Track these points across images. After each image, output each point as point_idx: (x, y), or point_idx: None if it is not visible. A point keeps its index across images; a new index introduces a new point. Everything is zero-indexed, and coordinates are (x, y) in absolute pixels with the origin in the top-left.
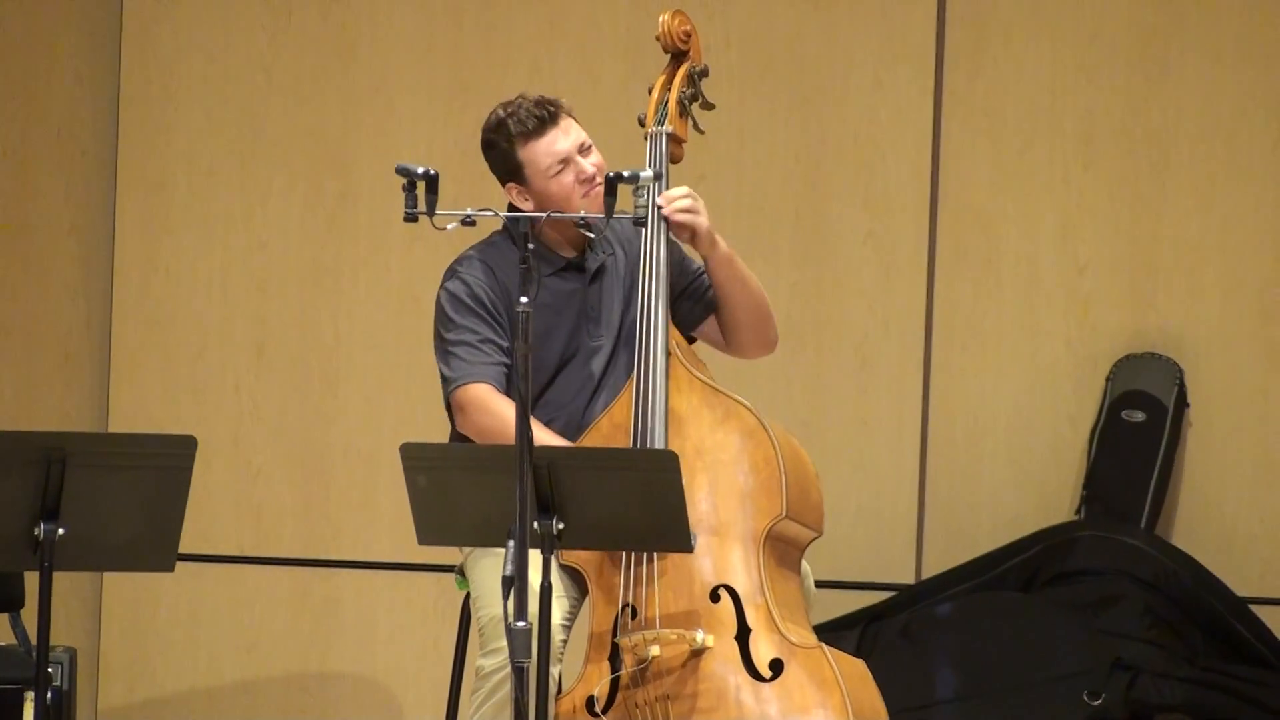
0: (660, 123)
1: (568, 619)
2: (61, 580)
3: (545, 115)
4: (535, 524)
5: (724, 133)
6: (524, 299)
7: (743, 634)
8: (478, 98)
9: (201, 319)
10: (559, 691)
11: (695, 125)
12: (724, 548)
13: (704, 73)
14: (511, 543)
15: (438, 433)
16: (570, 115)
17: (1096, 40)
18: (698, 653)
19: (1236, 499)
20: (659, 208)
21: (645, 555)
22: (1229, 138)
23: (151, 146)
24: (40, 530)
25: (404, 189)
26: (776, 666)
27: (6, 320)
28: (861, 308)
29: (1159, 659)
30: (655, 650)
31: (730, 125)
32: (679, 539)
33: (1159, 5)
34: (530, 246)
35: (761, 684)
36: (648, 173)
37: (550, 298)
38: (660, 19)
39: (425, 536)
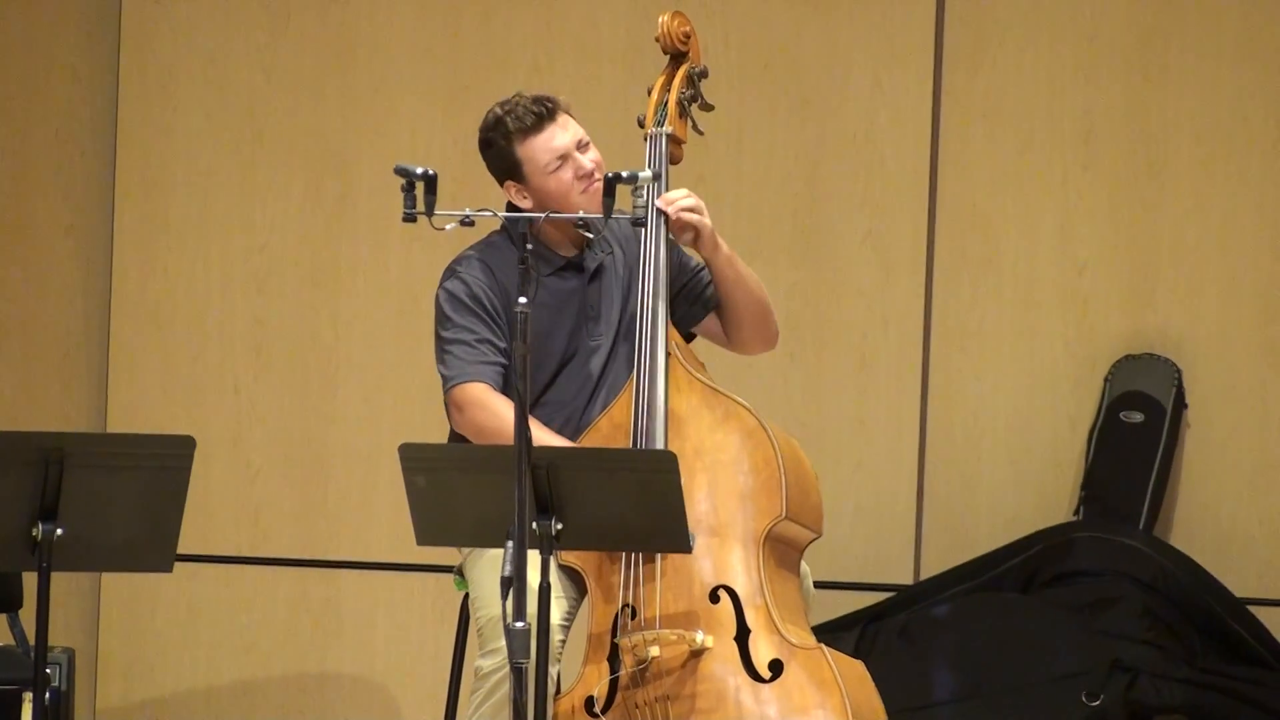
0: (660, 124)
1: (567, 619)
2: (60, 581)
3: (543, 111)
4: (534, 524)
5: (723, 133)
6: (522, 300)
7: (742, 634)
8: (477, 98)
9: (200, 319)
10: (558, 692)
11: (695, 126)
12: (723, 548)
13: (703, 74)
14: (510, 543)
15: (437, 433)
16: (568, 112)
17: (1095, 41)
18: (697, 653)
19: (1235, 500)
20: (660, 210)
21: (644, 556)
22: (1228, 138)
23: (150, 147)
24: (38, 530)
25: (403, 189)
26: (776, 667)
27: (5, 320)
28: (860, 308)
29: (1157, 660)
30: (654, 651)
31: (729, 126)
32: (678, 540)
33: (1158, 6)
34: (529, 247)
35: (761, 685)
36: (646, 173)
37: (549, 297)
38: (660, 20)
39: (424, 537)
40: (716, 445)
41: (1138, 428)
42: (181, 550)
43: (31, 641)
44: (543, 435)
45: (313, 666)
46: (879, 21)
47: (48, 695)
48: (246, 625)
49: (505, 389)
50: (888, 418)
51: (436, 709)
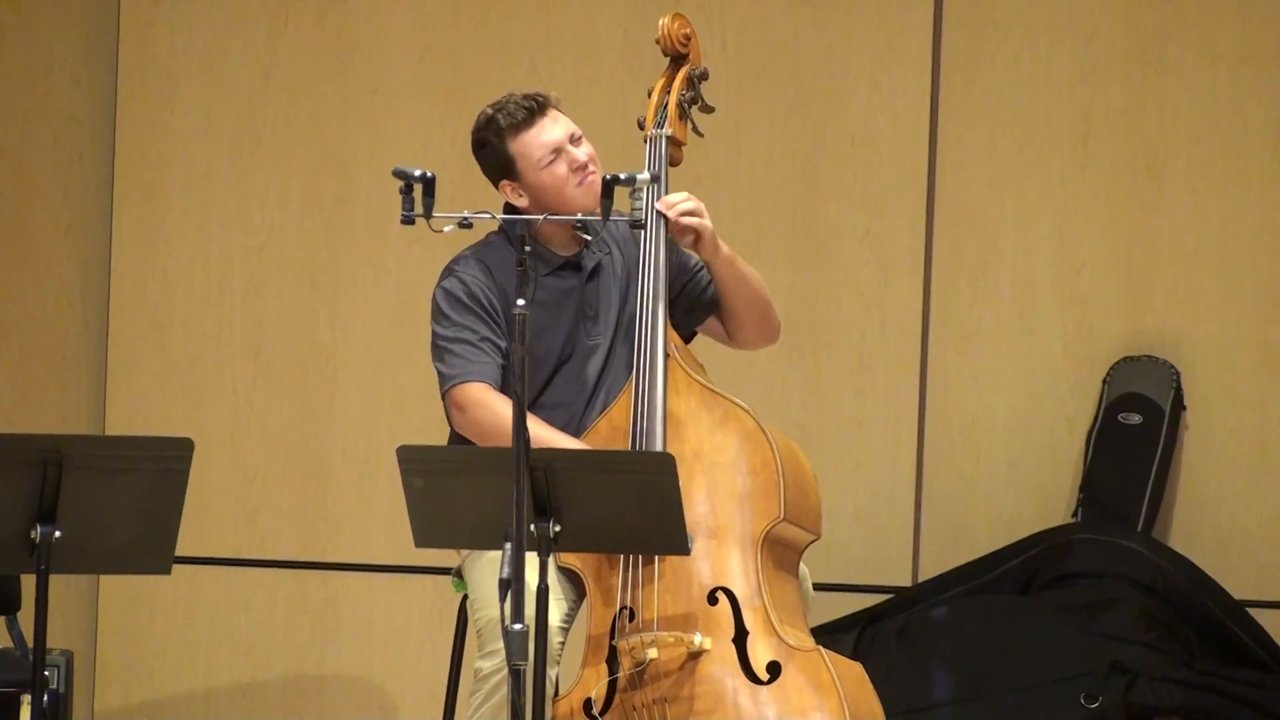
0: (660, 125)
1: (565, 621)
2: (58, 583)
3: (533, 106)
4: (532, 526)
5: (721, 135)
6: (520, 301)
7: (740, 636)
8: (475, 100)
9: (198, 321)
10: (556, 694)
11: (695, 128)
12: (722, 550)
13: (704, 76)
14: (508, 545)
15: (435, 435)
16: (558, 107)
17: (1093, 42)
18: (695, 655)
19: (1233, 501)
20: (661, 213)
21: (643, 557)
22: (1226, 140)
23: (149, 149)
24: (37, 533)
25: (401, 191)
26: (774, 669)
27: (3, 322)
28: (859, 309)
29: (1156, 662)
30: (653, 653)
31: (728, 127)
32: (676, 542)
33: (1156, 7)
34: (527, 249)
35: (759, 686)
36: (645, 175)
37: (547, 296)
38: (660, 22)
39: (422, 539)
40: (715, 447)
41: (1136, 429)
42: (180, 552)
43: (30, 644)
44: (547, 434)
45: (311, 668)
46: (877, 23)
47: (46, 697)
48: (245, 627)
49: (505, 389)
50: (886, 419)
51: (435, 710)
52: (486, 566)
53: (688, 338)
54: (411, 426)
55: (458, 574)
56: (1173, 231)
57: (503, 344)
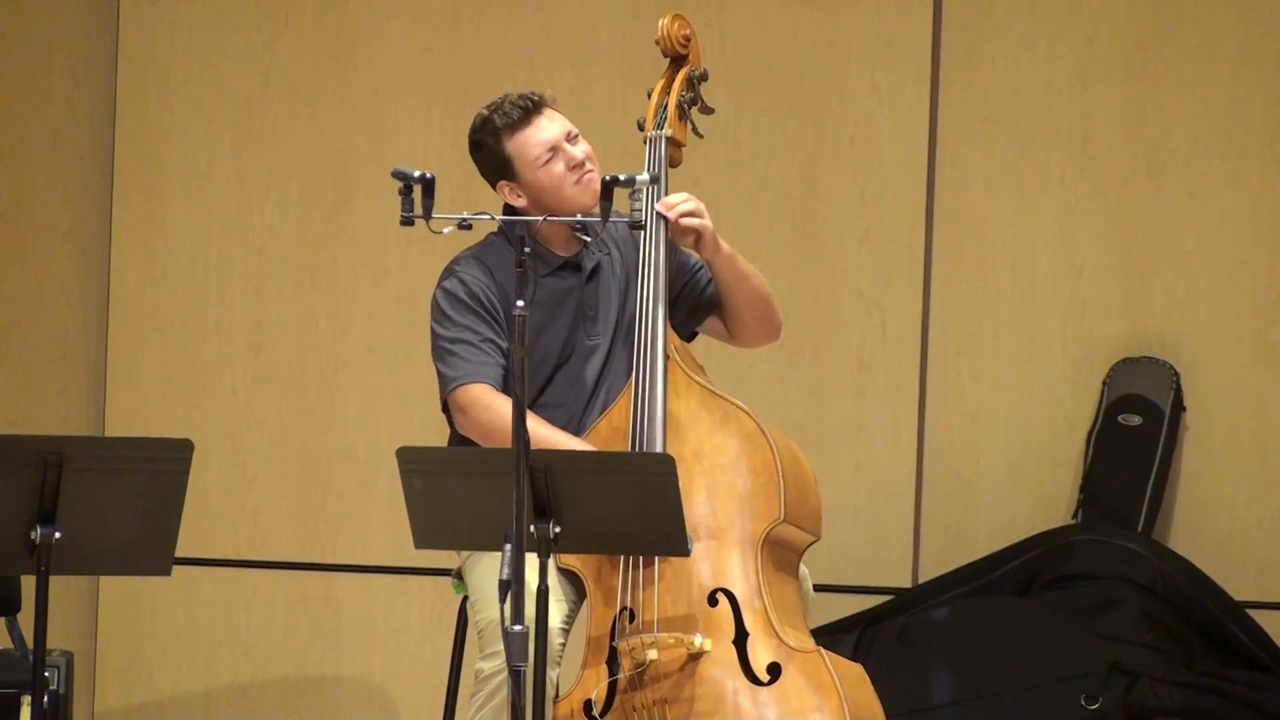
0: (659, 127)
1: (566, 622)
2: (58, 584)
3: (529, 105)
4: (532, 528)
5: (721, 135)
6: (520, 303)
7: (740, 638)
8: (475, 101)
9: (198, 322)
10: (557, 695)
11: (694, 129)
12: (722, 551)
13: (703, 77)
14: (508, 546)
15: (435, 436)
16: (554, 105)
17: (1093, 43)
18: (695, 656)
19: (1233, 503)
20: (661, 215)
21: (643, 559)
22: (1225, 141)
23: (148, 149)
24: (37, 534)
25: (400, 192)
26: (774, 670)
27: (3, 323)
28: (858, 310)
29: (1157, 663)
30: (653, 654)
31: (727, 128)
32: (675, 543)
33: (1155, 8)
34: (527, 249)
35: (759, 688)
36: (644, 176)
37: (546, 297)
38: (660, 23)
39: (422, 540)
40: (715, 448)
41: (1136, 430)
42: (180, 553)
43: (30, 644)
44: (551, 434)
45: (311, 669)
46: (876, 23)
47: (46, 698)
48: (245, 628)
49: (507, 389)
50: (886, 420)
51: (435, 712)
52: (488, 567)
53: (689, 337)
54: (411, 426)
55: (458, 575)
56: (1173, 232)
57: (504, 344)
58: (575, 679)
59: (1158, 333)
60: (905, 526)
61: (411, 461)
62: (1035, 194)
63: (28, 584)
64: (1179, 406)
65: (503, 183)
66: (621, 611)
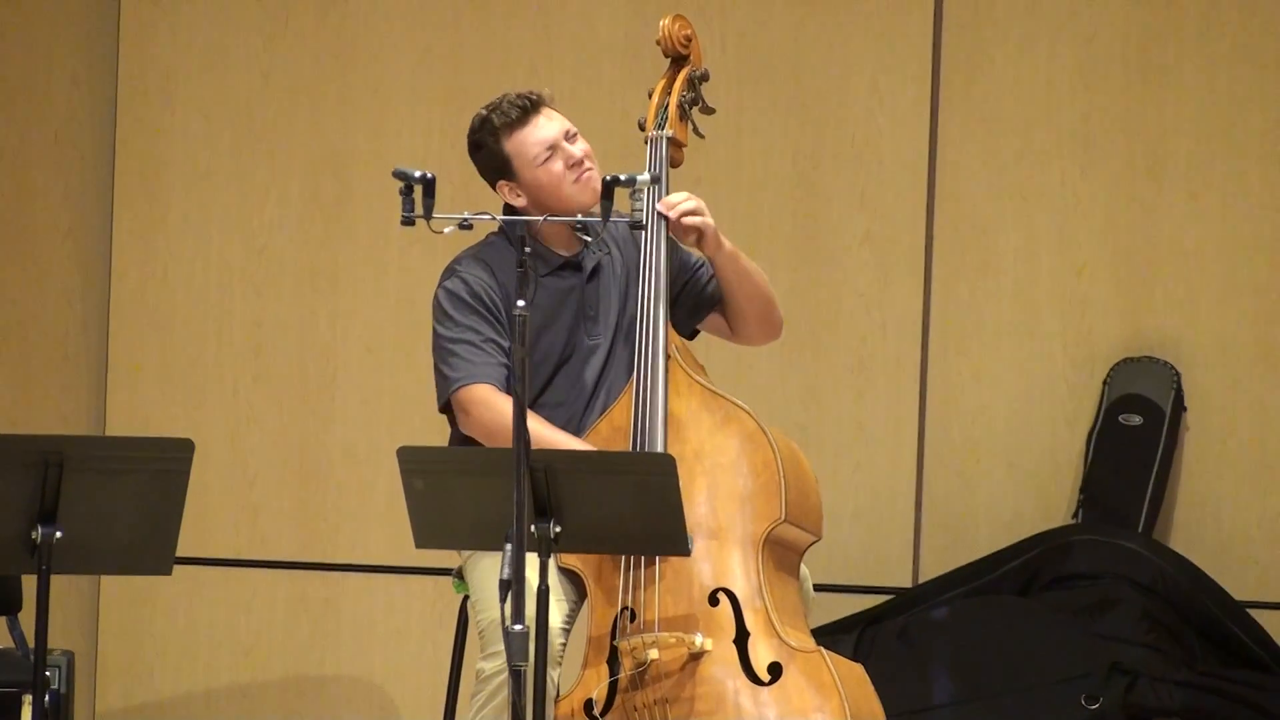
0: (660, 127)
1: (567, 622)
2: (59, 583)
3: (527, 105)
4: (532, 527)
5: (721, 136)
6: (520, 303)
7: (741, 637)
8: (475, 101)
9: (199, 322)
10: (557, 695)
11: (695, 129)
12: (723, 551)
13: (704, 77)
14: (509, 546)
15: (435, 436)
16: (552, 104)
17: (1093, 44)
18: (696, 656)
19: (1234, 502)
20: (662, 215)
21: (644, 558)
22: (1226, 141)
23: (149, 149)
24: (38, 533)
25: (401, 192)
26: (775, 670)
27: (4, 323)
28: (859, 311)
29: (1157, 663)
30: (654, 653)
31: (727, 128)
32: (676, 543)
33: (1156, 9)
34: (527, 249)
35: (760, 688)
36: (644, 177)
37: (547, 296)
38: (661, 23)
39: (422, 540)
40: (716, 448)
41: (1136, 430)
42: (180, 553)
43: (31, 644)
44: (552, 434)
45: (312, 669)
46: (877, 24)
47: (47, 698)
48: (245, 628)
49: (509, 389)
50: (886, 420)
51: (435, 712)
52: (489, 567)
53: (690, 335)
54: (411, 426)
55: (458, 575)
56: (1173, 233)
57: (506, 344)
58: (576, 678)
59: (1158, 333)
60: (905, 526)
61: (412, 461)
62: (1035, 194)
63: (29, 583)
64: (1179, 406)
65: (502, 182)
66: (622, 611)
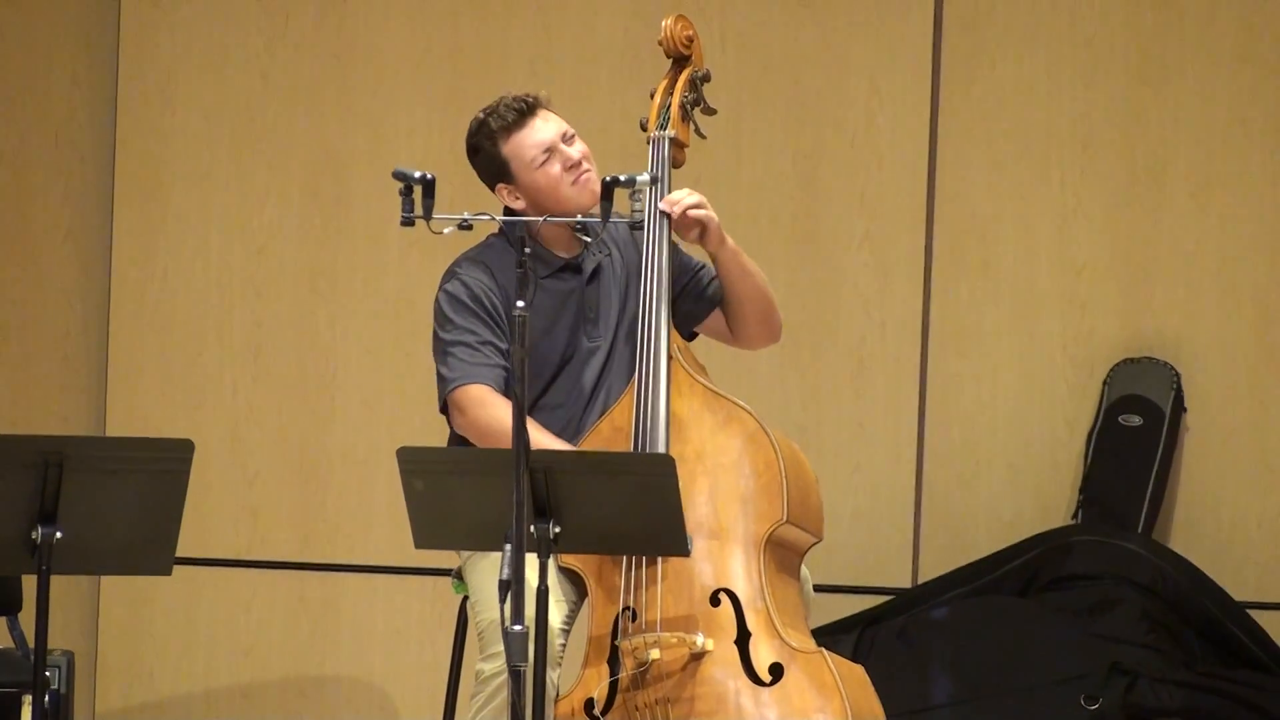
0: (663, 127)
1: (567, 623)
2: (59, 583)
3: (524, 107)
4: (532, 528)
5: (721, 137)
6: (520, 304)
7: (742, 638)
8: (475, 102)
9: (198, 323)
10: (557, 695)
11: (697, 130)
12: (724, 552)
13: (706, 77)
14: (508, 546)
15: (435, 436)
16: (549, 107)
17: (1093, 45)
18: (697, 656)
19: (1234, 503)
20: (664, 213)
21: (645, 558)
22: (1225, 142)
23: (149, 151)
24: (38, 534)
25: (401, 193)
26: (776, 671)
27: (4, 323)
28: (858, 311)
29: (1157, 663)
30: (655, 654)
31: (727, 129)
32: (675, 543)
33: (1155, 10)
34: (527, 250)
35: (761, 688)
36: (644, 177)
37: (548, 299)
38: (663, 24)
39: (422, 540)
40: (718, 449)
41: (1136, 431)
42: (180, 553)
43: (31, 644)
44: (542, 440)
45: (311, 669)
46: (877, 24)
47: (47, 698)
48: (245, 628)
49: (506, 391)
50: (886, 421)
51: (435, 712)
52: (488, 567)
53: (689, 337)
54: (411, 427)
55: (458, 575)
56: (1172, 233)
57: (504, 346)
58: (576, 678)
59: (1158, 333)
60: (905, 527)
61: (411, 461)
62: (1035, 194)
63: (28, 584)
64: (1179, 407)
65: (501, 185)
66: (624, 611)
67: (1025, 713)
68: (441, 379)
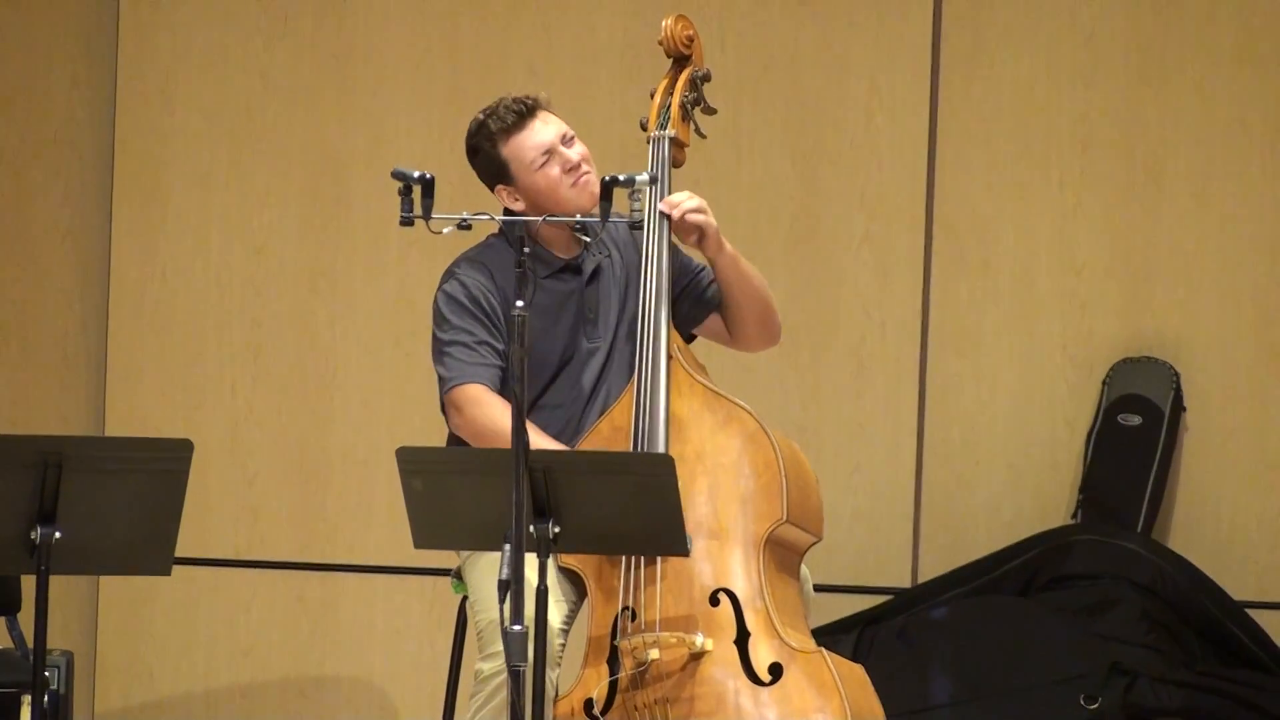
0: (663, 127)
1: (566, 623)
2: (58, 584)
3: (523, 109)
4: (531, 528)
5: (720, 137)
6: (519, 304)
7: (742, 638)
8: (474, 102)
9: (198, 323)
10: (556, 695)
11: (697, 130)
12: (724, 551)
13: (706, 77)
14: (508, 546)
15: (434, 436)
16: (548, 109)
17: (1092, 45)
18: (697, 656)
19: (1233, 503)
20: (664, 214)
21: (644, 558)
22: (1225, 141)
23: (148, 151)
24: (37, 534)
25: (400, 193)
26: (776, 671)
27: (3, 324)
28: (858, 311)
29: (1156, 663)
30: (654, 653)
31: (727, 129)
32: (675, 543)
33: (1155, 10)
34: (526, 250)
35: (760, 688)
36: (643, 176)
37: (547, 299)
38: (663, 23)
39: (421, 540)
40: (718, 448)
41: (1136, 431)
42: (179, 553)
43: (30, 644)
44: (538, 440)
45: (311, 669)
46: (877, 24)
47: (46, 698)
48: (244, 628)
49: (504, 391)
50: (885, 421)
51: (434, 712)
52: (488, 567)
53: (688, 339)
54: (411, 427)
55: (457, 575)
56: (1172, 233)
57: (501, 346)
58: (576, 678)
59: (1158, 333)
60: (905, 526)
61: (411, 461)
62: (1035, 194)
63: (28, 584)
64: (1179, 406)
65: (500, 187)
66: (623, 611)
67: (1025, 713)
68: (439, 379)
